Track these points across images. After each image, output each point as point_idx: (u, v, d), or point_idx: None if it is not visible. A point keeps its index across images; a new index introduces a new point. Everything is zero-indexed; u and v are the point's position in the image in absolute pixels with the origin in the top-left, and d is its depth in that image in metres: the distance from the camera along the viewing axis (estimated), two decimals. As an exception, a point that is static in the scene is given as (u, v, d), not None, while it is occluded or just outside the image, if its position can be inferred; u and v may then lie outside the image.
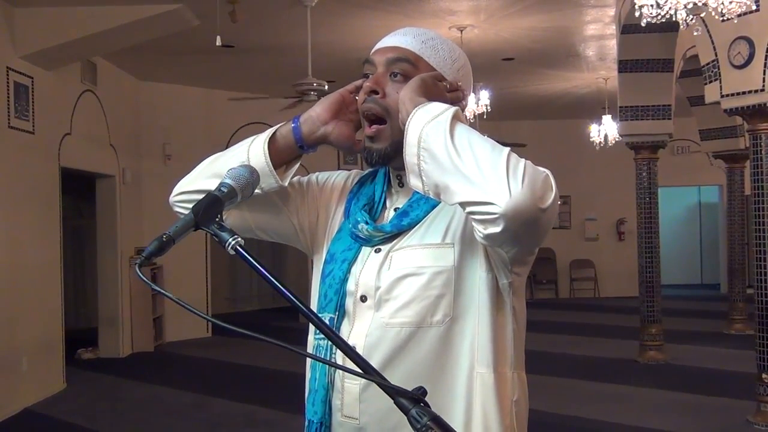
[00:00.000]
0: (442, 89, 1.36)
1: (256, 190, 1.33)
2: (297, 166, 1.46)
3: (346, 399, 1.36)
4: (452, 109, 1.23)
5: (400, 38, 1.42)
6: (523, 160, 1.16)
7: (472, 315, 1.33)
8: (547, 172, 1.18)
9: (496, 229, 1.13)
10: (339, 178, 1.56)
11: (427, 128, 1.20)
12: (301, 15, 6.20)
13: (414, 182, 1.23)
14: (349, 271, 1.39)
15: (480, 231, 1.17)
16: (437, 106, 1.24)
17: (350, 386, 1.35)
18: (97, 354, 8.40)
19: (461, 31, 7.17)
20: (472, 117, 7.88)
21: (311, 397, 1.41)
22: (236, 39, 7.11)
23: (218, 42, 5.54)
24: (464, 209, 1.17)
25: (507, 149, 1.16)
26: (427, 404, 1.00)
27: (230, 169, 1.28)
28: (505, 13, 6.83)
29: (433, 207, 1.38)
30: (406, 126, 1.24)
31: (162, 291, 1.12)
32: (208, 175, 1.42)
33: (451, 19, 6.93)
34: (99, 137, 8.02)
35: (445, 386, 1.31)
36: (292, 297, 1.10)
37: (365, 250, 1.40)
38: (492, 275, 1.33)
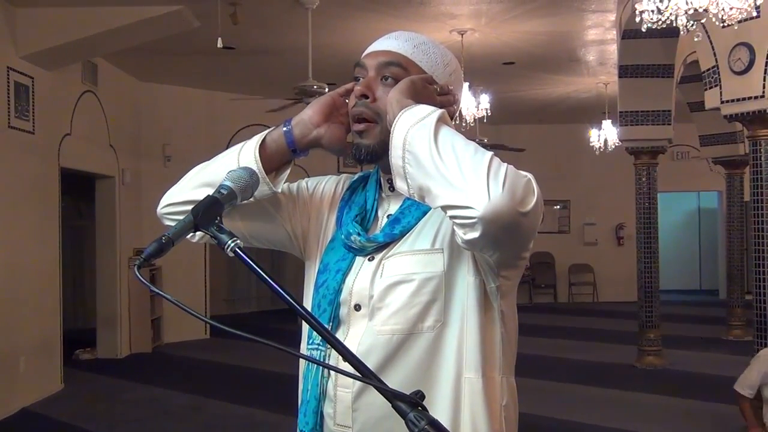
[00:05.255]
0: (431, 92, 1.34)
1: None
2: (288, 171, 1.43)
3: (338, 407, 1.34)
4: (438, 112, 1.21)
5: (391, 42, 1.40)
6: (506, 164, 1.14)
7: (460, 320, 1.32)
8: (530, 176, 1.16)
9: (475, 234, 1.12)
10: (329, 184, 1.53)
11: (412, 131, 1.19)
12: (302, 17, 6.20)
13: (399, 185, 1.22)
14: (343, 281, 1.37)
15: (460, 236, 1.15)
16: (423, 109, 1.23)
17: (343, 394, 1.34)
18: (95, 355, 8.39)
19: (462, 35, 7.17)
20: (472, 121, 7.88)
21: (303, 407, 1.40)
22: (237, 41, 7.11)
23: (219, 44, 5.55)
24: (446, 213, 1.16)
25: (490, 153, 1.15)
26: (425, 408, 0.99)
27: (229, 171, 1.28)
28: (506, 17, 6.83)
29: (425, 213, 1.37)
30: (392, 128, 1.23)
31: (160, 292, 1.11)
32: (195, 185, 1.39)
33: (451, 23, 6.93)
34: (99, 138, 8.02)
35: (434, 392, 1.30)
36: (290, 299, 1.09)
37: (359, 259, 1.39)
38: (479, 279, 1.31)
